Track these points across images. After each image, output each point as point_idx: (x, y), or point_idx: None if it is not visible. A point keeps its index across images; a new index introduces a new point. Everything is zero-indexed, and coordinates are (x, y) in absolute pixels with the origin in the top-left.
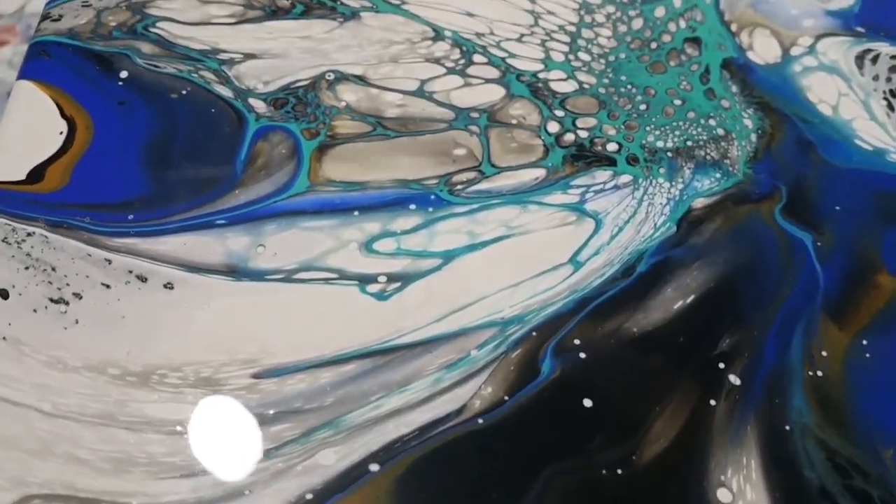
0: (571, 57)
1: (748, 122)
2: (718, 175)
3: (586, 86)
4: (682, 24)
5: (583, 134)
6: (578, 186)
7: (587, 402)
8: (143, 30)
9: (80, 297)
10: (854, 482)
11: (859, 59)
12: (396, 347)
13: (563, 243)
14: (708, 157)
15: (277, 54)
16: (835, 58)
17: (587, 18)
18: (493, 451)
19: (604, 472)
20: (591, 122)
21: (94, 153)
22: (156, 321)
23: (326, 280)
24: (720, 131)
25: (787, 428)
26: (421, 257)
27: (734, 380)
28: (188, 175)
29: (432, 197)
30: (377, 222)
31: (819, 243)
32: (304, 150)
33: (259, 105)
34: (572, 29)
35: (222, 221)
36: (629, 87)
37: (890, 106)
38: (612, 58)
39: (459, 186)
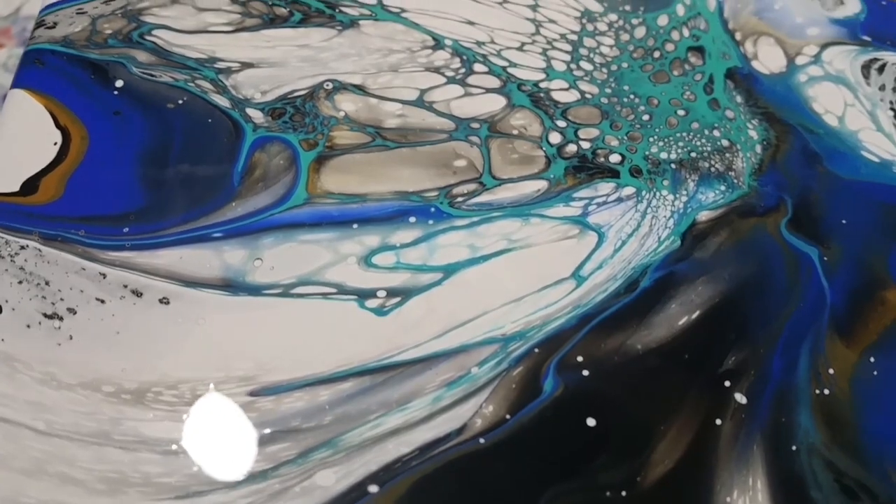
0: (573, 66)
1: (753, 133)
2: (723, 187)
3: (588, 95)
4: (686, 32)
5: (585, 145)
6: (581, 199)
7: (590, 422)
8: (138, 38)
9: (75, 313)
10: None
11: (865, 68)
12: (396, 364)
13: (565, 257)
14: (712, 169)
15: (275, 63)
16: (841, 67)
17: (589, 27)
18: (495, 471)
19: (608, 493)
20: (594, 132)
21: (89, 164)
22: (151, 337)
23: (325, 295)
24: (725, 142)
25: (794, 448)
26: (421, 271)
27: (740, 398)
28: (184, 187)
29: (432, 209)
30: (376, 235)
31: (825, 258)
32: (302, 161)
33: (256, 115)
34: (574, 37)
35: (219, 234)
36: (632, 96)
37: None
38: (614, 67)
39: (460, 199)
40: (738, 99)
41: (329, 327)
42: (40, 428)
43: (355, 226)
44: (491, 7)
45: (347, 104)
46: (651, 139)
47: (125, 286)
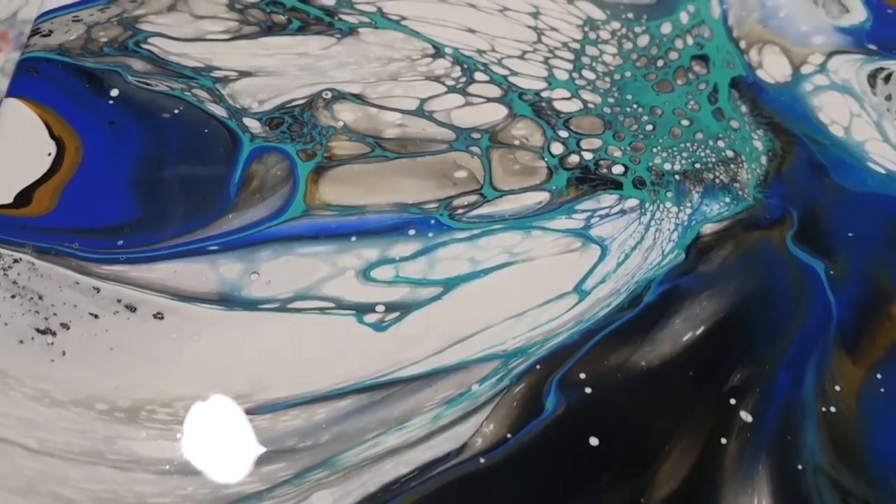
0: (575, 75)
1: (758, 144)
2: (728, 199)
3: (591, 105)
4: (690, 40)
5: (587, 156)
6: (583, 211)
7: (593, 441)
8: (134, 46)
9: (68, 328)
10: None
11: (871, 77)
12: (395, 381)
13: (567, 271)
14: (717, 181)
15: (273, 72)
16: (846, 76)
17: (591, 35)
18: (496, 492)
19: None
20: (596, 143)
21: (84, 175)
22: (145, 353)
23: (322, 310)
24: (729, 153)
25: (800, 467)
26: (420, 285)
27: (745, 416)
28: (179, 198)
29: (432, 222)
30: (375, 248)
31: (832, 271)
32: (300, 172)
33: (254, 125)
34: (576, 46)
35: (215, 247)
36: (635, 106)
37: None
38: (617, 76)
39: (460, 211)
40: (743, 109)
41: (326, 343)
42: (32, 446)
43: (354, 238)
44: (492, 15)
45: (346, 114)
46: (655, 150)
47: (119, 301)
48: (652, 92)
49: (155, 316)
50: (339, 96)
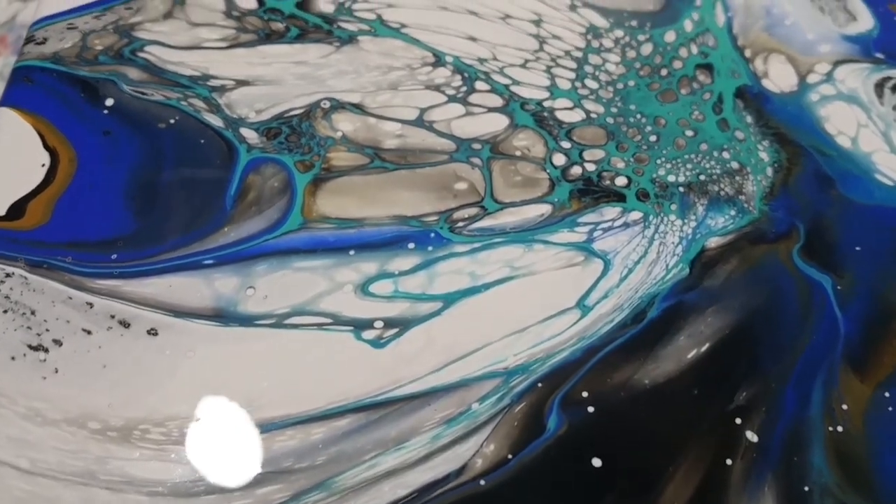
0: (578, 84)
1: (764, 155)
2: (733, 212)
3: (594, 115)
4: (694, 49)
5: (590, 167)
6: (586, 224)
7: (596, 462)
8: (130, 54)
9: (60, 344)
10: None
11: (879, 87)
12: (393, 400)
13: (569, 286)
14: (722, 193)
15: (271, 81)
16: (853, 86)
17: (594, 43)
18: None
19: None
20: (599, 154)
21: (77, 187)
22: (138, 370)
23: (319, 326)
24: (734, 165)
25: (807, 489)
26: (420, 301)
27: (751, 436)
28: (174, 211)
29: (432, 235)
30: (374, 262)
31: (839, 287)
32: (298, 183)
33: (251, 135)
34: (579, 54)
35: (210, 261)
36: (638, 116)
37: None
38: (620, 85)
39: (461, 223)
40: (749, 119)
41: (323, 360)
42: (24, 466)
43: (352, 252)
44: (493, 22)
45: (345, 124)
46: (658, 161)
47: (112, 316)
48: (656, 101)
49: (149, 332)
50: (338, 106)
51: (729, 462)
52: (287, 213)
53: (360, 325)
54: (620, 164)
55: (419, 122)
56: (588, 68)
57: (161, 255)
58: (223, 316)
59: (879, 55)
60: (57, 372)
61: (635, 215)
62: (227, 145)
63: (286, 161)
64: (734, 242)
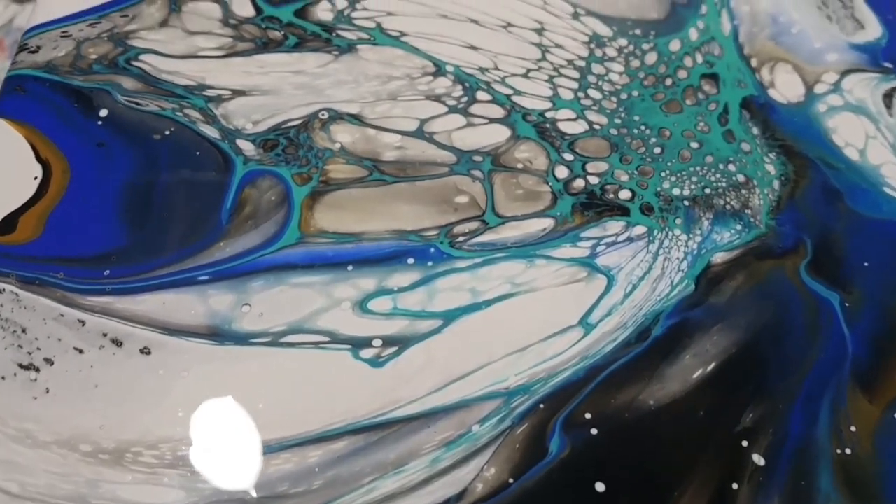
0: (581, 95)
1: (770, 168)
2: (739, 226)
3: (597, 126)
4: (699, 58)
5: (593, 180)
6: (589, 238)
7: (599, 487)
8: (125, 63)
9: (52, 363)
10: None
11: (887, 97)
12: (392, 422)
13: (572, 303)
14: (728, 207)
15: (268, 91)
16: (861, 96)
17: (598, 52)
18: None
19: None
20: (603, 166)
21: (70, 201)
22: (131, 391)
23: (317, 344)
24: (740, 177)
25: None
26: (419, 318)
27: (758, 460)
28: (169, 225)
29: (432, 250)
30: (372, 278)
31: (847, 304)
32: (295, 197)
33: (247, 147)
34: (582, 64)
35: (205, 277)
36: (643, 127)
37: None
38: (624, 95)
39: (461, 238)
40: (755, 130)
41: (321, 380)
42: (13, 490)
43: (350, 268)
44: (495, 31)
45: (344, 135)
46: (663, 174)
47: (105, 334)
48: (660, 112)
49: (142, 351)
50: (337, 116)
51: (735, 486)
52: (284, 228)
53: (358, 344)
54: (624, 177)
55: (419, 134)
56: (591, 78)
57: (155, 271)
58: (218, 334)
59: (888, 64)
60: (48, 392)
61: (639, 230)
62: (224, 157)
63: (283, 173)
64: (740, 258)
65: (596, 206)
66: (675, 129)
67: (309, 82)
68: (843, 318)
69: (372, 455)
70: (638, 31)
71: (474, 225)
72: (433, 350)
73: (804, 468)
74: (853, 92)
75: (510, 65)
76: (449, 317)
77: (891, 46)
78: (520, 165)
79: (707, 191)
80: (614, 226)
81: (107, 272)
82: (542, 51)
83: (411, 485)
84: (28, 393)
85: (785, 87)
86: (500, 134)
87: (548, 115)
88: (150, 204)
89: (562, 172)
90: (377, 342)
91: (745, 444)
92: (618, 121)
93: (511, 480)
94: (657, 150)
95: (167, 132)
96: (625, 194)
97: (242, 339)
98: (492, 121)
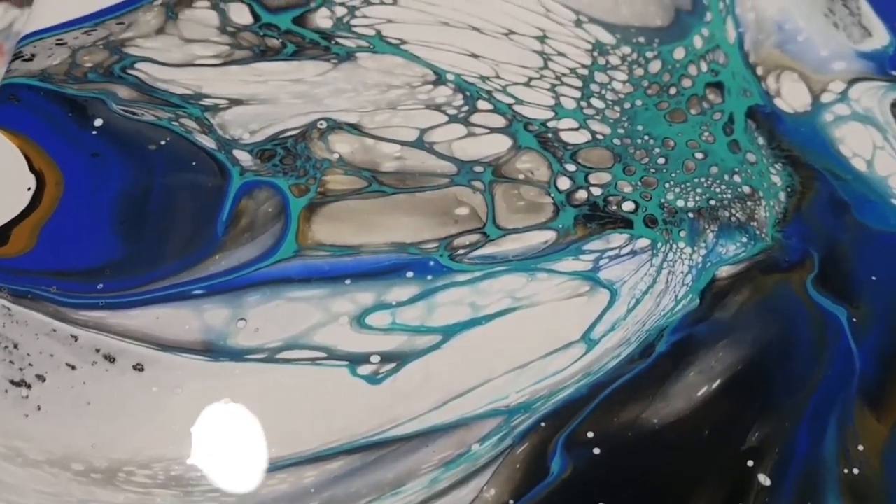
0: (584, 104)
1: (776, 179)
2: (745, 239)
3: (600, 136)
4: (704, 66)
5: (596, 191)
6: (591, 251)
7: None
8: (120, 71)
9: (44, 380)
10: None
11: (895, 107)
12: (389, 441)
13: (574, 318)
14: (733, 219)
15: (266, 100)
16: (869, 105)
17: (601, 60)
18: None
19: None
20: (606, 177)
21: (64, 212)
22: (123, 408)
23: (313, 360)
24: (746, 189)
25: None
26: (418, 333)
27: (764, 480)
28: (163, 238)
29: (431, 263)
30: (371, 292)
31: (854, 319)
32: (292, 208)
33: (244, 157)
34: (584, 72)
35: (200, 291)
36: (646, 137)
37: None
38: (627, 105)
39: (461, 251)
40: (760, 140)
41: (317, 397)
42: None
43: (348, 281)
44: (496, 39)
45: (342, 145)
46: (667, 185)
47: (98, 350)
48: (664, 122)
49: (135, 367)
50: (335, 126)
51: None
52: (281, 240)
53: (355, 360)
54: (627, 188)
55: (419, 144)
56: (594, 87)
57: (149, 285)
58: (213, 350)
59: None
60: (40, 409)
61: (643, 242)
62: (220, 168)
63: (281, 184)
64: (746, 272)
65: (599, 217)
66: (679, 139)
67: (307, 91)
68: (850, 334)
69: (369, 475)
70: (642, 39)
71: (475, 237)
72: (432, 366)
73: (811, 488)
74: (860, 101)
75: (512, 73)
76: (448, 332)
77: None
78: (521, 176)
79: (712, 202)
80: (617, 238)
81: (100, 286)
82: (544, 59)
83: None
84: (19, 410)
85: (791, 96)
86: (502, 144)
87: (550, 124)
88: (144, 216)
89: (564, 183)
90: (375, 358)
91: (750, 463)
92: (621, 130)
93: (511, 502)
94: (661, 160)
95: (163, 142)
96: (628, 206)
97: (238, 355)
98: (493, 130)
